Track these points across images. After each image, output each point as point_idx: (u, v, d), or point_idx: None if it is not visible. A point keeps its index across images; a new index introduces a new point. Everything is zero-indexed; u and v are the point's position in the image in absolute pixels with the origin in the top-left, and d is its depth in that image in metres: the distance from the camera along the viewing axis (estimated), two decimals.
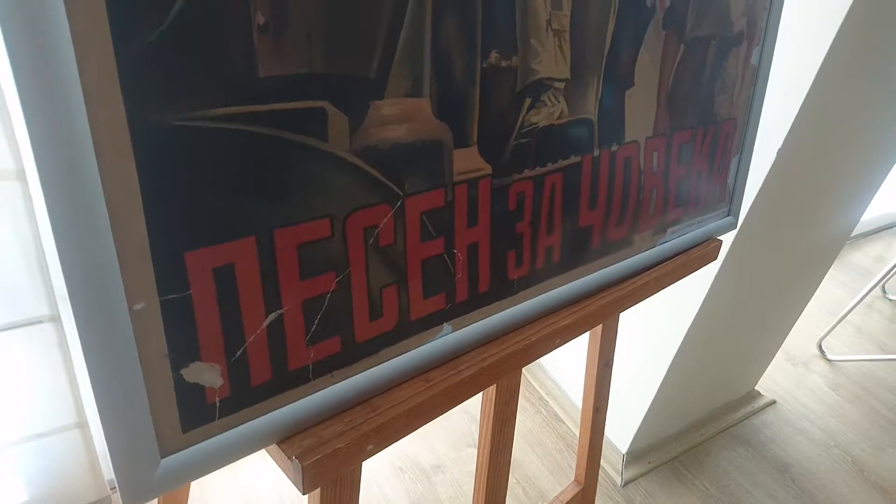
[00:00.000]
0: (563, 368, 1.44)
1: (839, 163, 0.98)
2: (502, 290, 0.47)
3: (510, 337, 0.47)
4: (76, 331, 0.27)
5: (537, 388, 1.47)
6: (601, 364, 0.78)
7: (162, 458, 0.31)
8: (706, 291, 0.99)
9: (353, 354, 0.37)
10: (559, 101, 0.45)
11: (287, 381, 0.35)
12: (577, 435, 1.36)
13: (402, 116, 0.35)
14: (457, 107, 0.38)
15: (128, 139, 0.26)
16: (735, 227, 0.72)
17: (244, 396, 0.33)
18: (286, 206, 0.31)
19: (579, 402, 1.40)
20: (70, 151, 0.24)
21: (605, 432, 1.32)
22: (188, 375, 0.31)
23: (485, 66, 0.39)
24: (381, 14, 0.32)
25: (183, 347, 0.30)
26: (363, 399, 0.38)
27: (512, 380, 0.60)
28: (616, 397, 1.27)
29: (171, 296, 0.29)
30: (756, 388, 1.59)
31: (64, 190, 0.24)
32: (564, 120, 0.46)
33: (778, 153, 0.83)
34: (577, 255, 0.53)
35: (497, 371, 0.45)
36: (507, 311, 0.47)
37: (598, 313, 0.55)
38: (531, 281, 0.49)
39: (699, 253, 0.65)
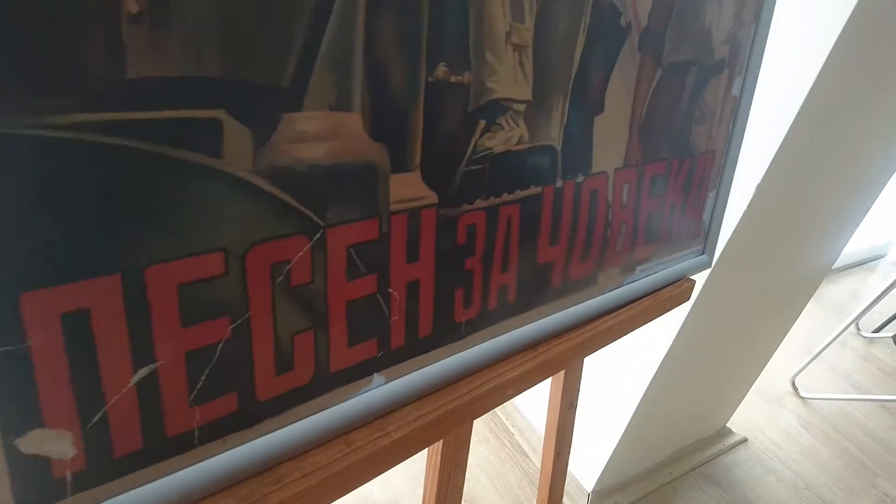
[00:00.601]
0: (531, 399, 1.39)
1: (820, 199, 0.95)
2: (447, 333, 0.41)
3: (453, 389, 0.41)
4: None
5: (503, 419, 1.42)
6: (564, 405, 0.73)
7: None
8: (678, 329, 0.94)
9: (253, 415, 0.31)
10: (518, 125, 0.40)
11: (164, 448, 0.29)
12: None
13: (324, 133, 0.30)
14: (395, 125, 0.33)
15: None
16: (709, 266, 0.68)
17: (106, 469, 0.27)
18: (164, 236, 0.26)
19: None
20: None
21: (571, 470, 1.27)
22: (25, 446, 0.24)
23: (430, 80, 0.33)
24: (297, 10, 0.27)
25: (18, 412, 0.24)
26: (266, 467, 0.32)
27: (461, 429, 0.54)
28: (583, 435, 1.22)
29: (1, 348, 0.23)
30: (727, 425, 1.56)
31: None
32: (524, 146, 0.41)
33: (757, 188, 0.80)
34: (535, 294, 0.48)
35: (435, 431, 0.39)
36: (452, 357, 0.42)
37: (558, 359, 0.50)
38: (482, 323, 0.44)
39: (670, 294, 0.61)
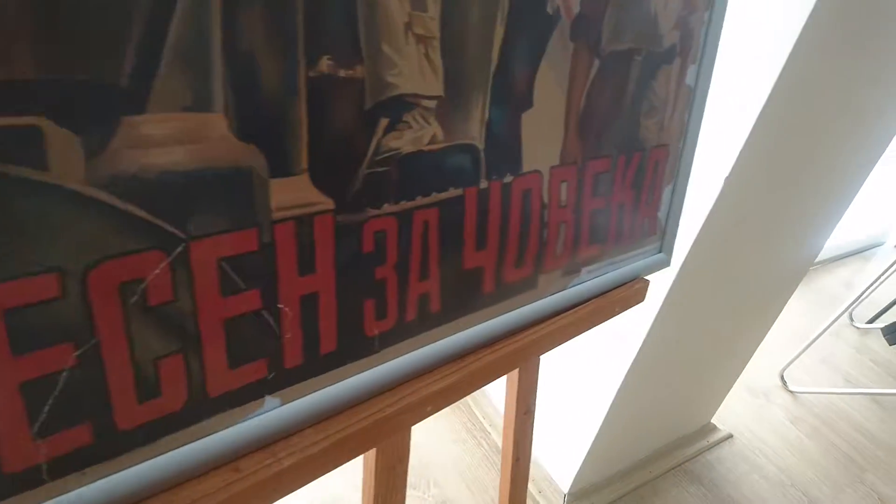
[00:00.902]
0: None
1: (796, 190, 0.93)
2: (357, 348, 0.39)
3: (362, 408, 0.39)
4: None
5: (480, 417, 1.40)
6: (520, 411, 0.71)
7: None
8: (649, 325, 0.92)
9: (115, 445, 0.29)
10: (430, 123, 0.38)
11: (4, 486, 0.26)
12: None
13: (178, 136, 0.27)
14: (271, 126, 0.30)
15: None
16: (668, 265, 0.65)
17: None
18: None
19: None
20: None
21: (547, 470, 1.25)
22: None
23: (313, 74, 0.31)
24: None
25: None
26: (137, 499, 0.30)
27: (398, 440, 0.52)
28: (557, 433, 1.20)
29: None
30: (712, 421, 1.54)
31: None
32: (438, 145, 0.39)
33: (726, 181, 0.77)
34: (463, 301, 0.45)
35: (338, 454, 0.37)
36: (363, 374, 0.40)
37: (489, 368, 0.47)
38: (400, 335, 0.42)
39: (621, 295, 0.59)
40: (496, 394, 1.42)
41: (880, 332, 2.20)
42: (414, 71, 0.35)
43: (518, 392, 0.68)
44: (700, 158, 0.79)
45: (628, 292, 0.60)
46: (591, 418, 1.09)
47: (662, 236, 0.64)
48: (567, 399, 1.16)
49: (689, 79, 0.56)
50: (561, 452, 1.20)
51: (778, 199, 0.90)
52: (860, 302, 2.25)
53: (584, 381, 1.10)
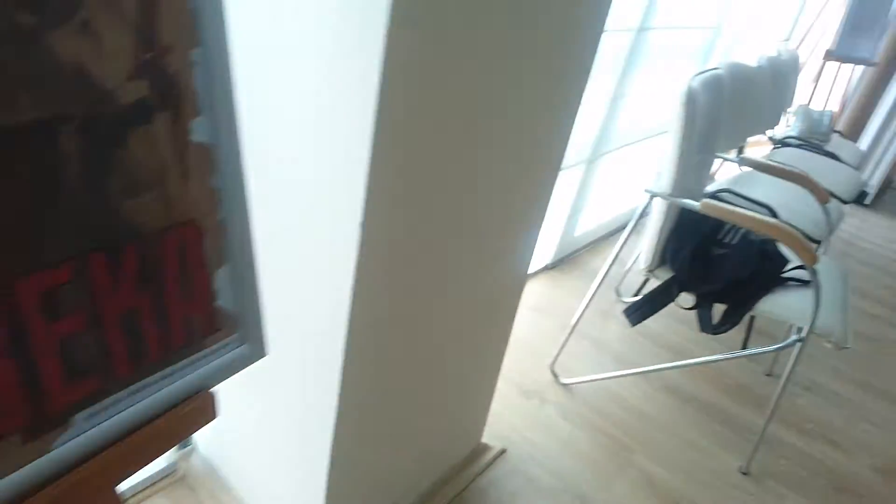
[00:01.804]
0: (257, 484, 1.21)
1: (454, 208, 0.87)
2: None
3: None
4: None
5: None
6: None
7: None
8: (337, 390, 0.82)
9: None
10: None
11: None
12: None
13: None
14: None
15: None
16: (263, 354, 0.54)
17: None
18: None
19: None
20: None
21: None
22: None
23: None
24: None
25: None
26: None
27: None
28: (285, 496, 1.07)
29: None
30: (483, 440, 1.53)
31: None
32: None
33: (363, 227, 0.69)
34: None
35: None
36: None
37: None
38: None
39: (170, 423, 0.46)
40: (243, 482, 1.25)
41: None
42: None
43: None
44: (324, 208, 0.70)
45: (184, 413, 0.47)
46: (314, 476, 0.97)
47: (240, 326, 0.52)
48: (289, 465, 1.03)
49: (200, 135, 0.45)
50: None
51: (437, 219, 0.84)
52: (620, 278, 2.44)
53: (297, 447, 0.98)
